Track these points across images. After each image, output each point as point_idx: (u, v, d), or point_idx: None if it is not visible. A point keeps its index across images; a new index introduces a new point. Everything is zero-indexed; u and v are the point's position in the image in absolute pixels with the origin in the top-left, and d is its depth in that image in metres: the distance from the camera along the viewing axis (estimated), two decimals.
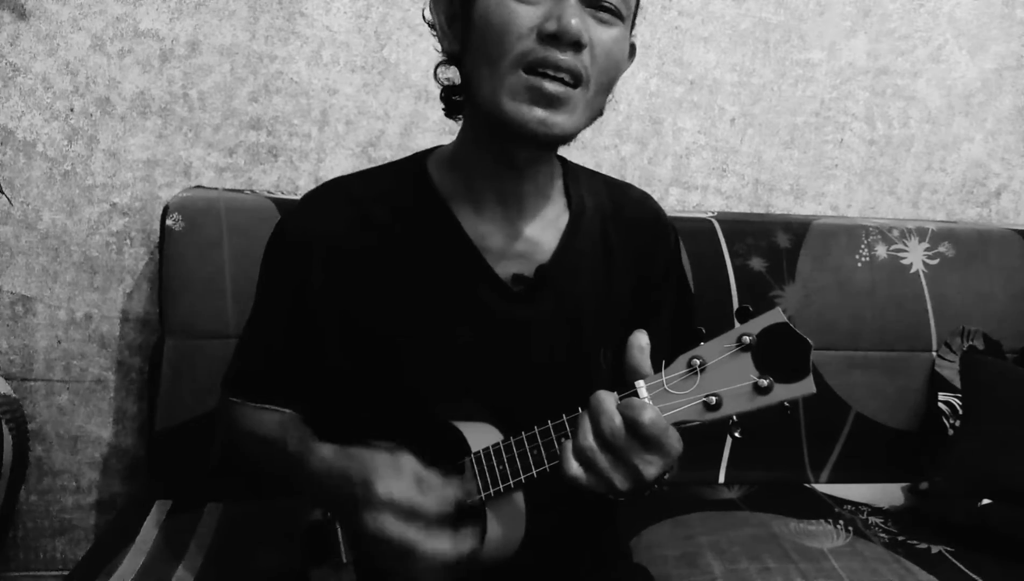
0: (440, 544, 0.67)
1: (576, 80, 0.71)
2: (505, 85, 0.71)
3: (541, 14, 0.70)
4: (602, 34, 0.72)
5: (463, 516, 0.72)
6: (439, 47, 0.80)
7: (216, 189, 1.38)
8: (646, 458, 0.63)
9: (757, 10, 1.55)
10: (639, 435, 0.63)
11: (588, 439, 0.64)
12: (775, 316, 0.64)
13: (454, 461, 0.74)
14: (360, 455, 0.71)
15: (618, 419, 0.63)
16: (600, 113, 0.80)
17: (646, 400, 0.65)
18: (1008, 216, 1.73)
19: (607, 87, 0.76)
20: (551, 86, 0.70)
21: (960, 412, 1.40)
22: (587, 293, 0.85)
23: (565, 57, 0.70)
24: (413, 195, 0.83)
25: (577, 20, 0.69)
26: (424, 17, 0.81)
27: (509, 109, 0.71)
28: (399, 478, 0.68)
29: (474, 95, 0.75)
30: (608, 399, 0.65)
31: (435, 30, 0.80)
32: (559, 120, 0.72)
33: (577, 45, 0.70)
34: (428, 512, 0.67)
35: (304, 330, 0.83)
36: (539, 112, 0.71)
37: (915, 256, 1.49)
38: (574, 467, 0.65)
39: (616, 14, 0.73)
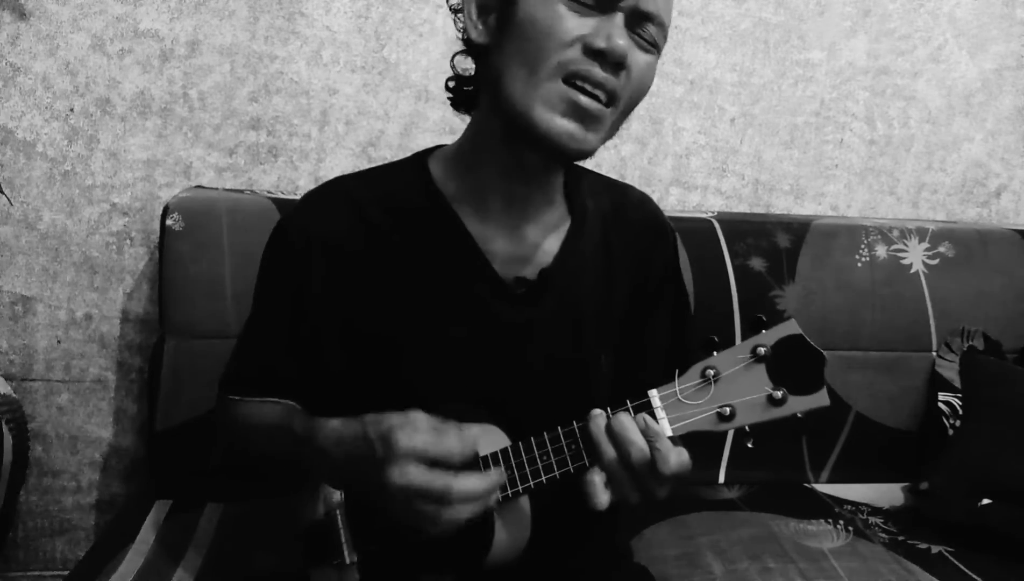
0: (471, 483, 0.66)
1: (611, 100, 0.71)
2: (540, 91, 0.69)
3: (590, 27, 0.69)
4: (640, 59, 0.72)
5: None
6: (461, 34, 0.79)
7: (216, 189, 1.38)
8: (663, 484, 0.66)
9: (757, 10, 1.55)
10: (659, 477, 0.65)
11: (615, 466, 0.66)
12: (790, 327, 0.65)
13: None
14: (371, 417, 0.70)
15: (647, 450, 0.65)
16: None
17: (659, 415, 0.66)
18: (1008, 216, 1.73)
19: (630, 111, 0.76)
20: (587, 101, 0.69)
21: (960, 412, 1.40)
22: (588, 296, 0.85)
23: (607, 75, 0.69)
24: (416, 196, 0.83)
25: (625, 41, 0.69)
26: (448, 2, 0.80)
27: (541, 117, 0.70)
28: (417, 430, 0.67)
29: (503, 94, 0.72)
30: (632, 428, 0.66)
31: (460, 16, 0.77)
32: (589, 137, 0.71)
33: (620, 66, 0.69)
34: (452, 455, 0.67)
35: (304, 331, 0.83)
36: (571, 126, 0.70)
37: (915, 256, 1.49)
38: (603, 495, 0.67)
39: (654, 44, 0.73)
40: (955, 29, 1.63)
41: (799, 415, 0.64)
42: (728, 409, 0.64)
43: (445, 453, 0.66)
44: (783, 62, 1.58)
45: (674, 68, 1.55)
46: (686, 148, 1.58)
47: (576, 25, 0.69)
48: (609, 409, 0.69)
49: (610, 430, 0.67)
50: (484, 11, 0.75)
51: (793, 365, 0.64)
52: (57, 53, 1.37)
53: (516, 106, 0.71)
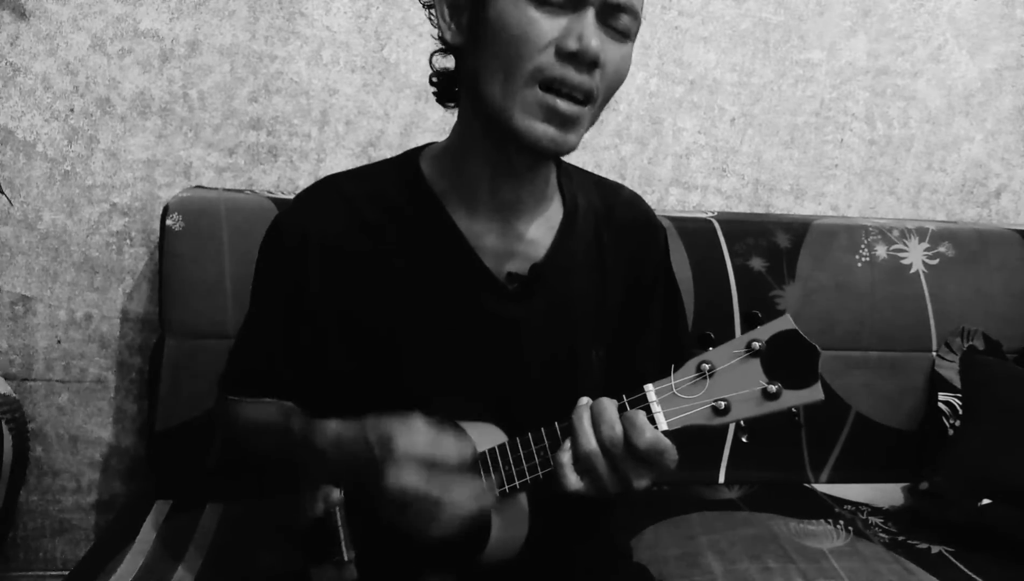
0: (463, 493, 0.67)
1: (587, 99, 0.71)
2: (518, 98, 0.70)
3: (560, 28, 0.69)
4: (614, 52, 0.72)
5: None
6: (435, 33, 0.79)
7: (216, 189, 1.38)
8: (639, 471, 0.66)
9: (757, 10, 1.55)
10: (635, 455, 0.65)
11: (591, 444, 0.66)
12: (785, 323, 0.65)
13: None
14: (371, 420, 0.71)
15: (619, 428, 0.65)
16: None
17: (654, 409, 0.66)
18: (1008, 216, 1.73)
19: (608, 100, 0.76)
20: (565, 105, 0.70)
21: (960, 412, 1.40)
22: (580, 291, 0.85)
23: (582, 77, 0.69)
24: (407, 194, 0.83)
25: (597, 41, 0.68)
26: (421, 0, 0.80)
27: (521, 124, 0.70)
28: (416, 434, 0.68)
29: (482, 98, 0.73)
30: (611, 408, 0.67)
31: (432, 14, 0.78)
32: (570, 138, 0.72)
33: (594, 65, 0.70)
34: (449, 463, 0.68)
35: (300, 330, 0.83)
36: (551, 130, 0.71)
37: (915, 256, 1.49)
38: (572, 478, 0.67)
39: (627, 34, 0.73)
40: (955, 29, 1.63)
41: (794, 410, 0.64)
42: (723, 403, 0.65)
43: (442, 458, 0.67)
44: (783, 62, 1.58)
45: (674, 68, 1.55)
46: (686, 148, 1.58)
47: (548, 28, 0.69)
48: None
49: (591, 410, 0.68)
50: (456, 11, 0.75)
51: (788, 360, 0.64)
52: (57, 53, 1.37)
53: (495, 110, 0.72)
